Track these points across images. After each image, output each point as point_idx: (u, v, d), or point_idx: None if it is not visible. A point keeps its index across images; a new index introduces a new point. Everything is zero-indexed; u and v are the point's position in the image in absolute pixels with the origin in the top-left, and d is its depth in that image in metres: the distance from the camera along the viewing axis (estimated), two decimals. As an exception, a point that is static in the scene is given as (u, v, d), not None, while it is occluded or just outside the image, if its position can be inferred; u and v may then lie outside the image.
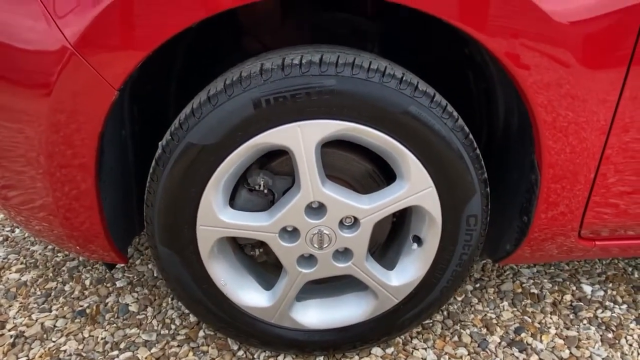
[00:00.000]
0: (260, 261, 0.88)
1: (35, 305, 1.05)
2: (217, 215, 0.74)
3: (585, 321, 1.05)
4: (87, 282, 1.11)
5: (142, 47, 0.63)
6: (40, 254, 1.22)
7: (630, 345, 0.99)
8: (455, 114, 0.71)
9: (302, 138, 0.69)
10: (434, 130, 0.70)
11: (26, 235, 1.30)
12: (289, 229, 0.77)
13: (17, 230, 1.32)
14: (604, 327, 1.03)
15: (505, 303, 1.10)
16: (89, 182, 0.73)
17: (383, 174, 0.81)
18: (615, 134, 0.71)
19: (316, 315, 0.88)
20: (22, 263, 1.18)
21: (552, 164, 0.73)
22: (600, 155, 0.73)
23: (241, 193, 0.79)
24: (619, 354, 0.96)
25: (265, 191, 0.79)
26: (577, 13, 0.64)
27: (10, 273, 1.14)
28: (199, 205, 0.73)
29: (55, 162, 0.71)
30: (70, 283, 1.11)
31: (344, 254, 0.81)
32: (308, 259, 0.81)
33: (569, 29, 0.64)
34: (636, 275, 1.21)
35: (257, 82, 0.66)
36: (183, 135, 0.69)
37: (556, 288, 1.16)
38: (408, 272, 0.83)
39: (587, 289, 1.16)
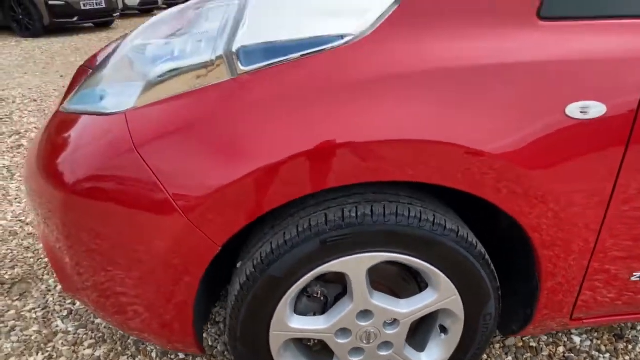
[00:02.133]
0: (315, 349, 1.08)
1: (111, 378, 1.22)
2: (287, 323, 0.93)
3: (576, 372, 1.27)
4: (154, 355, 1.29)
5: (249, 217, 0.81)
6: (105, 327, 1.39)
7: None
8: (475, 242, 0.91)
9: (357, 266, 0.88)
10: (459, 256, 0.89)
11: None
12: (342, 329, 0.97)
13: (77, 303, 1.48)
14: (591, 378, 1.25)
15: (510, 357, 1.31)
16: (192, 294, 0.91)
17: (410, 273, 1.01)
18: (599, 251, 0.92)
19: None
20: (92, 338, 1.35)
21: (549, 273, 0.94)
22: (587, 264, 0.94)
23: (302, 300, 0.98)
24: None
25: (322, 298, 0.98)
26: None
27: (84, 349, 1.31)
28: (272, 317, 0.92)
29: (168, 276, 0.88)
30: (139, 357, 1.28)
31: (386, 344, 1.01)
32: (357, 350, 1.00)
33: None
34: (616, 325, 1.43)
35: (324, 229, 0.85)
36: (264, 269, 0.87)
37: (551, 340, 1.37)
38: (436, 354, 1.04)
39: (577, 339, 1.38)
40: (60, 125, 0.98)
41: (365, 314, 0.96)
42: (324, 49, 0.79)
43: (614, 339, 1.38)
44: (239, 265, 0.96)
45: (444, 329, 1.03)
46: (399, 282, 1.02)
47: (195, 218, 0.80)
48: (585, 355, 1.32)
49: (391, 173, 0.80)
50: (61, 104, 1.05)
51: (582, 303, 1.01)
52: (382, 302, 0.94)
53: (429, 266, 0.90)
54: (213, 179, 0.78)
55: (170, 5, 12.01)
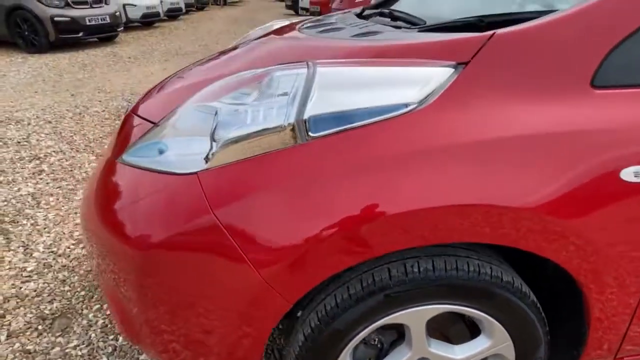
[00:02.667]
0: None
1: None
2: (348, 370, 0.97)
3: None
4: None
5: (320, 277, 0.86)
6: (150, 364, 1.42)
7: None
8: (528, 291, 0.95)
9: (418, 318, 0.93)
10: (514, 305, 0.94)
11: (130, 343, 1.49)
12: (400, 375, 1.01)
13: (120, 339, 1.52)
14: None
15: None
16: (260, 349, 0.94)
17: (459, 315, 1.05)
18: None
19: None
20: (138, 376, 1.38)
21: (597, 318, 0.98)
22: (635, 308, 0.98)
23: (359, 347, 1.02)
24: None
25: (378, 345, 1.02)
26: None
27: (132, 387, 1.34)
28: (336, 364, 0.96)
29: (240, 329, 0.91)
30: (188, 395, 1.32)
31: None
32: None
33: None
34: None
35: (388, 284, 0.89)
36: (329, 322, 0.91)
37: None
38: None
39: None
40: (123, 177, 1.02)
41: (422, 360, 1.00)
42: (389, 117, 0.84)
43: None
44: (299, 314, 1.00)
45: (495, 374, 1.07)
46: (448, 325, 1.06)
47: (269, 277, 0.84)
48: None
49: (461, 236, 0.84)
50: (116, 152, 1.09)
51: (628, 343, 1.06)
52: (439, 350, 0.99)
53: (486, 316, 0.94)
54: (286, 241, 0.83)
55: (171, 17, 12.07)
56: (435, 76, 0.85)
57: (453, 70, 0.85)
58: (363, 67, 0.91)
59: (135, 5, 9.73)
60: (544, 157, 0.82)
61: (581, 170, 0.82)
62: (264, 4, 22.28)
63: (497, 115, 0.83)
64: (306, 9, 13.74)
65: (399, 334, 1.03)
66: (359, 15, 1.70)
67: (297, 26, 1.59)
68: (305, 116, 0.84)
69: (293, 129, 0.85)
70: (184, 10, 12.87)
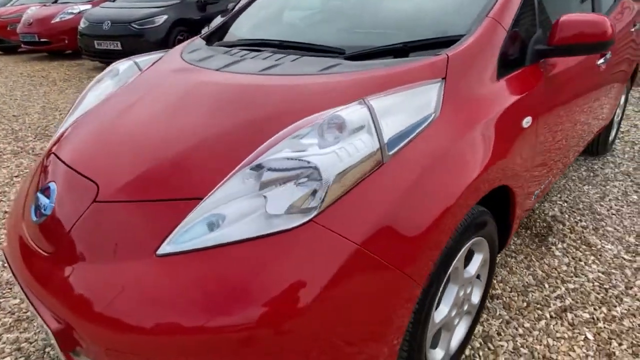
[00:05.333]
0: None
1: None
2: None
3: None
4: None
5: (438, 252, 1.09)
6: None
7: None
8: (490, 212, 1.47)
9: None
10: (490, 224, 1.43)
11: None
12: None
13: None
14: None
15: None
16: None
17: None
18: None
19: None
20: None
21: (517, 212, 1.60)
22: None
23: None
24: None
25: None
26: None
27: None
28: None
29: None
30: None
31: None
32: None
33: None
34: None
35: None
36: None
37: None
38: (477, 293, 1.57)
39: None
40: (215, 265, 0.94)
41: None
42: (426, 124, 1.14)
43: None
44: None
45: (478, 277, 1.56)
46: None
47: (411, 271, 1.02)
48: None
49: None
50: (154, 248, 0.98)
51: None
52: (464, 272, 1.39)
53: (482, 238, 1.40)
54: (414, 233, 1.03)
55: None
56: (436, 91, 1.20)
57: (440, 84, 1.22)
58: (390, 95, 1.16)
59: None
60: (500, 126, 1.31)
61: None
62: None
63: (474, 105, 1.26)
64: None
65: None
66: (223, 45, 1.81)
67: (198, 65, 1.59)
68: (386, 140, 1.05)
69: (379, 153, 1.04)
70: None
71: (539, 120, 1.53)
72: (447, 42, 1.39)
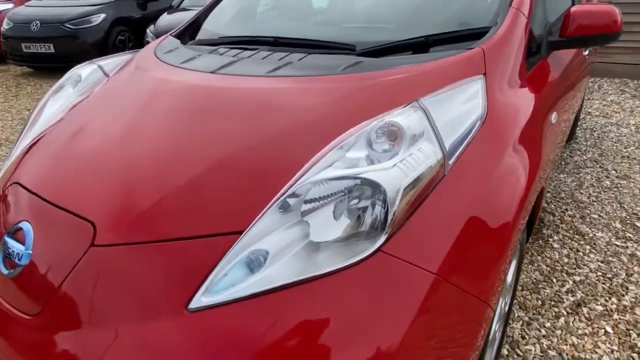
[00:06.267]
0: None
1: None
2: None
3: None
4: None
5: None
6: None
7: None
8: None
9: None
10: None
11: None
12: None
13: None
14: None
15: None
16: None
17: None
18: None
19: None
20: None
21: None
22: None
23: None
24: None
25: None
26: None
27: None
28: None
29: None
30: None
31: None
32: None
33: None
34: None
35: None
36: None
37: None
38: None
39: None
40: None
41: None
42: (480, 124, 1.03)
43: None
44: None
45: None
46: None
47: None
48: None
49: None
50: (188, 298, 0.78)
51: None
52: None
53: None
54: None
55: None
56: (480, 88, 1.09)
57: (482, 80, 1.11)
58: (439, 95, 1.02)
59: None
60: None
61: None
62: None
63: (513, 102, 1.16)
64: None
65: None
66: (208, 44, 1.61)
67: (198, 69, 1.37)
68: (447, 148, 0.92)
69: (441, 161, 0.91)
70: None
71: (559, 113, 1.47)
72: (470, 35, 1.28)
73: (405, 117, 0.92)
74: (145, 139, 1.08)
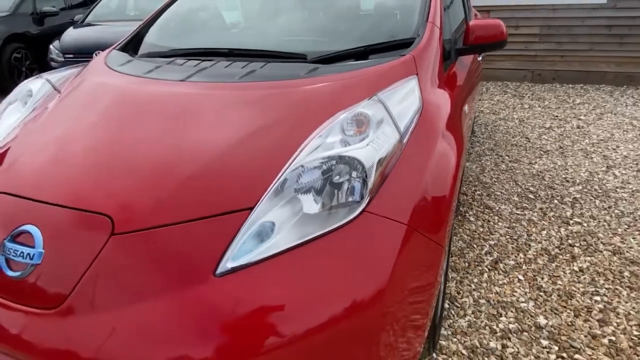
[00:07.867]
0: None
1: None
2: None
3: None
4: None
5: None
6: None
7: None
8: None
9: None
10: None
11: None
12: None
13: None
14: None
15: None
16: None
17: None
18: None
19: None
20: None
21: None
22: None
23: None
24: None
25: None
26: None
27: None
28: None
29: None
30: None
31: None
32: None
33: None
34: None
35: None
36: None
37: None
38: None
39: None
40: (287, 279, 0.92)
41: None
42: (421, 108, 1.30)
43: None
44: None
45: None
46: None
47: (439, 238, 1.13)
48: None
49: None
50: (214, 269, 0.93)
51: None
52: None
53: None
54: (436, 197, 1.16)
55: None
56: (415, 85, 1.36)
57: (415, 79, 1.39)
58: (388, 91, 1.27)
59: None
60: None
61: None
62: None
63: (440, 94, 1.46)
64: None
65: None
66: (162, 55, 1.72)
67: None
68: (402, 128, 1.17)
69: (399, 141, 1.15)
70: None
71: (468, 108, 1.83)
72: (398, 45, 1.57)
73: (369, 108, 1.15)
74: (145, 139, 1.18)
